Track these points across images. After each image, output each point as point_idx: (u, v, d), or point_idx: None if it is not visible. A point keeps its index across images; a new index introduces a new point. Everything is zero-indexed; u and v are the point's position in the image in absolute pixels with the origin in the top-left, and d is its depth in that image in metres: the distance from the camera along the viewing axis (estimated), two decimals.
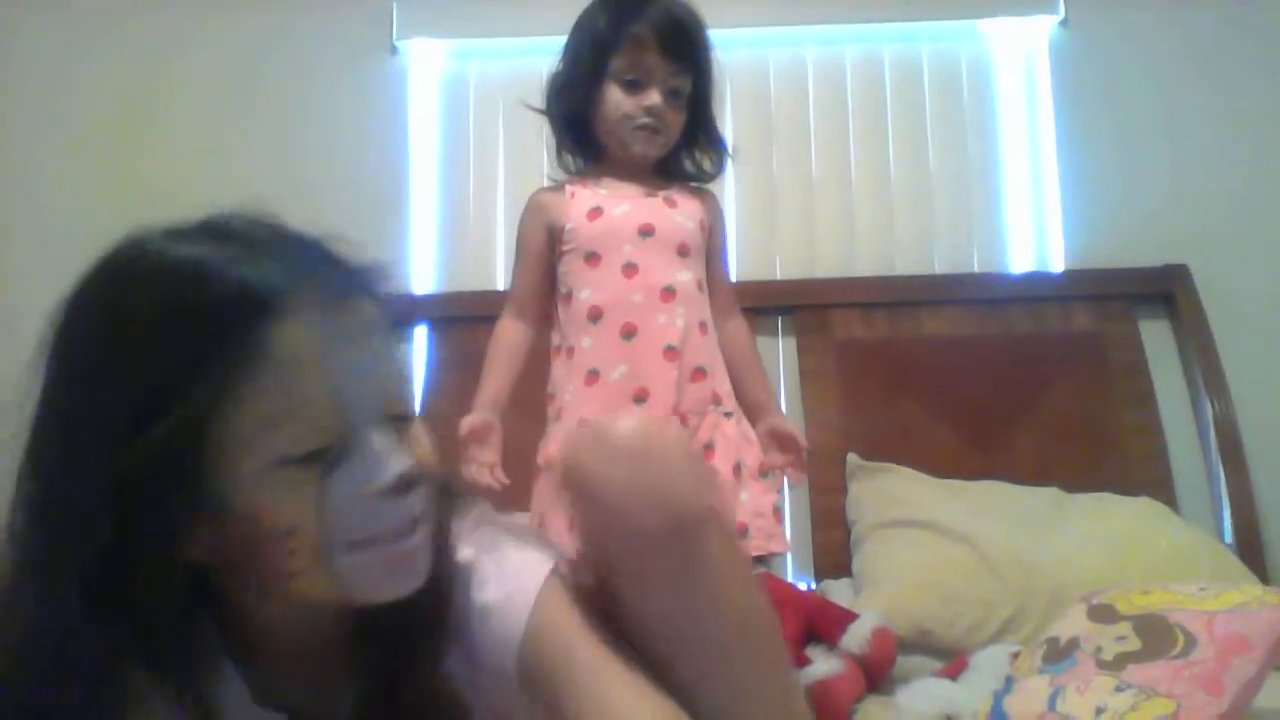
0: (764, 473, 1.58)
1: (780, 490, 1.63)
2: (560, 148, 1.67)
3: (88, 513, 0.64)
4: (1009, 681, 1.46)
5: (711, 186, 1.71)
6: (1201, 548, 1.98)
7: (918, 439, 2.26)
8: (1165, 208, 2.43)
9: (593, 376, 1.53)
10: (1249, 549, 2.12)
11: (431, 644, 0.77)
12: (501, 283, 2.40)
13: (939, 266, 2.45)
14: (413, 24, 2.51)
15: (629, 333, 1.53)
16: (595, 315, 1.54)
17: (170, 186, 2.51)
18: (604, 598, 0.79)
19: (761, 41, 2.52)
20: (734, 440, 1.54)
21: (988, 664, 1.65)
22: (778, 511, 1.58)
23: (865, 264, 2.45)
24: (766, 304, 2.37)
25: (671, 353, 1.52)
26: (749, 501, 1.53)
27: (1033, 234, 2.47)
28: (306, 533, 0.67)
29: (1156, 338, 2.36)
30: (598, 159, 1.65)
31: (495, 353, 1.61)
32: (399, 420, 0.72)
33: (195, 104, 2.52)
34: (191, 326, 0.64)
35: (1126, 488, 2.14)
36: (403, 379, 0.73)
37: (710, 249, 1.65)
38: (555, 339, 1.60)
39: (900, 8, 2.50)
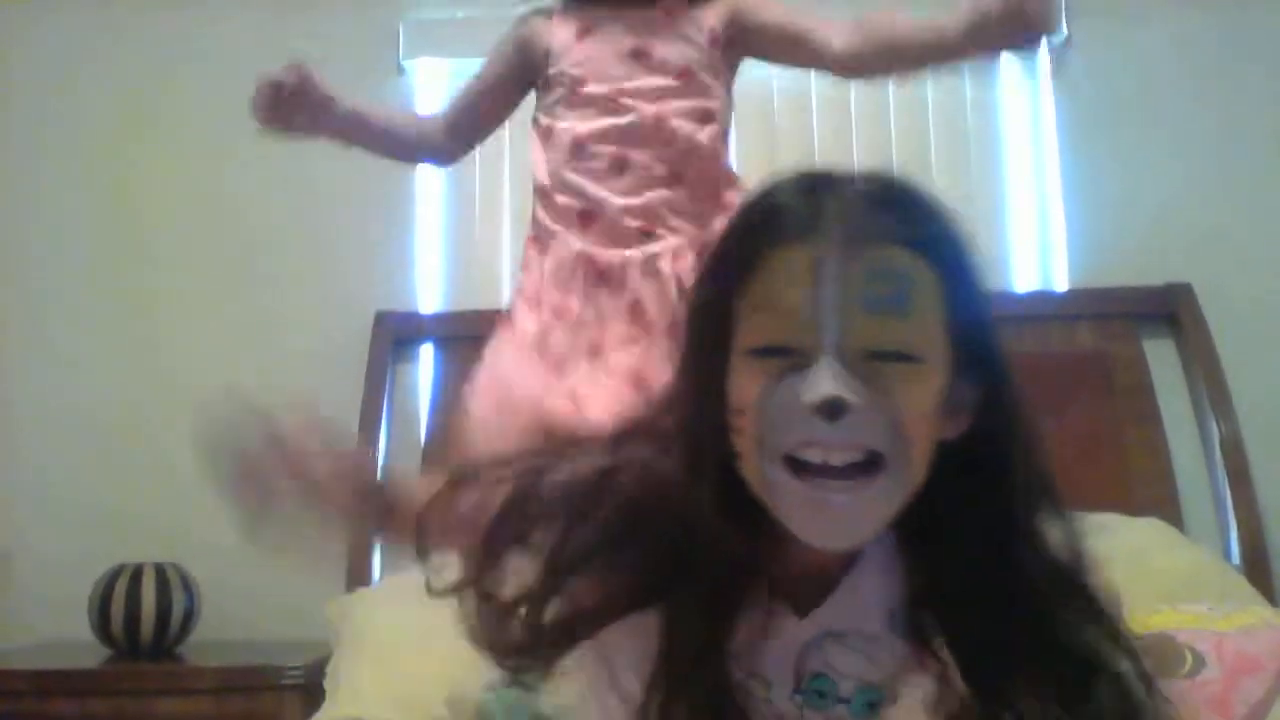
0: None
1: None
2: None
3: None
4: None
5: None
6: (1208, 568, 1.97)
7: None
8: (1169, 226, 2.42)
9: (586, 215, 1.40)
10: (1256, 569, 2.11)
11: None
12: (508, 302, 2.40)
13: None
14: (420, 44, 2.52)
15: (619, 163, 1.39)
16: (580, 145, 1.41)
17: (176, 200, 2.53)
18: None
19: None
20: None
21: None
22: None
23: None
24: None
25: (675, 178, 1.40)
26: None
27: (1036, 253, 2.47)
28: (750, 419, 0.78)
29: (1161, 357, 2.36)
30: None
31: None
32: (878, 359, 0.77)
33: (201, 120, 2.52)
34: (742, 230, 0.84)
35: (1132, 508, 2.12)
36: (911, 327, 0.80)
37: (756, 28, 1.49)
38: (530, 229, 1.48)
39: None
